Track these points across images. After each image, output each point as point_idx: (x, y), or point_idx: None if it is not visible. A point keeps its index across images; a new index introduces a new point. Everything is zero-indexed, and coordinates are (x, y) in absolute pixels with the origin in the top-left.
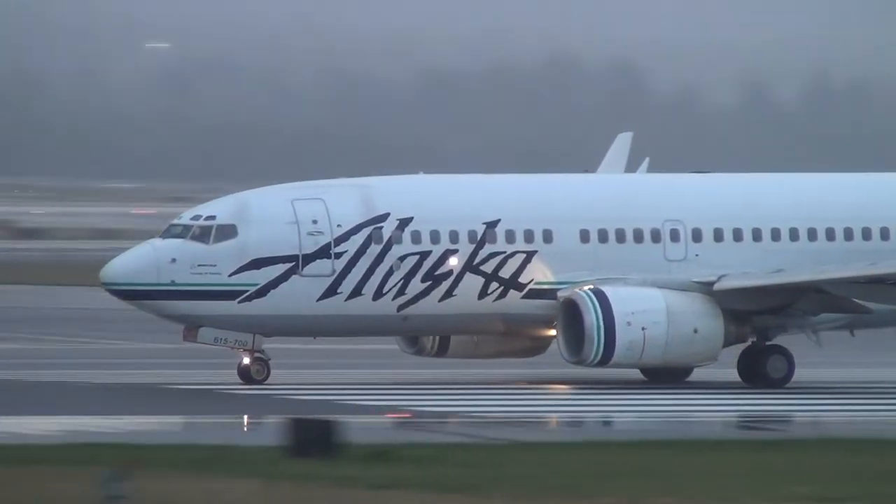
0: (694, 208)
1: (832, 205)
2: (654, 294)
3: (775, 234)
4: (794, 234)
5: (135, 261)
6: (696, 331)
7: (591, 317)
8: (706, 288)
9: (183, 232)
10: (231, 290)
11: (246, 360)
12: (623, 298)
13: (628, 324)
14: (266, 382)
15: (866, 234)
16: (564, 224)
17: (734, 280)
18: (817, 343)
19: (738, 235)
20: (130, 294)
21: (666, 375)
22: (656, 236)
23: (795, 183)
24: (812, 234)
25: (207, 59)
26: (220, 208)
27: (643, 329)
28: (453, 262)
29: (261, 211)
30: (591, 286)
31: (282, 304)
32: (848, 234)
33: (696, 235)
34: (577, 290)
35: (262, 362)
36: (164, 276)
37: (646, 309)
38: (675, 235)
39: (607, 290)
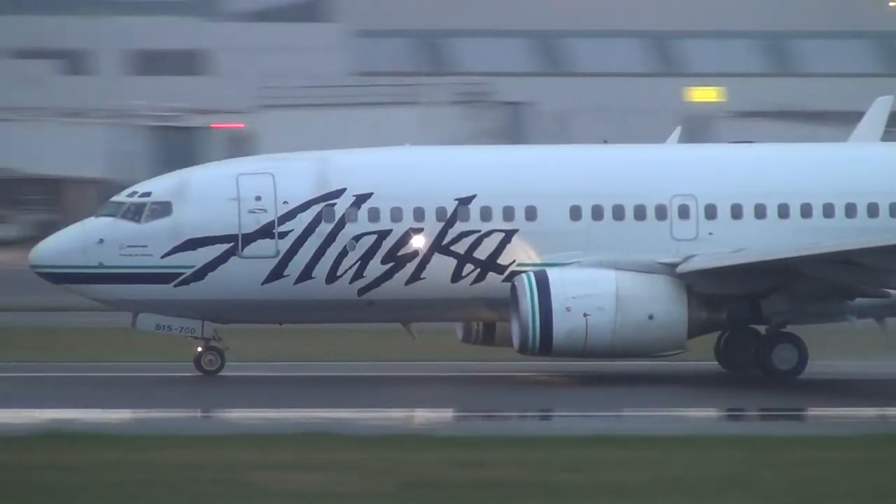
0: (708, 181)
1: (873, 177)
2: (605, 277)
3: (806, 210)
4: (828, 211)
5: (62, 242)
6: (651, 317)
7: (527, 302)
8: (671, 270)
9: (116, 210)
10: (165, 272)
11: (199, 349)
12: (565, 282)
13: (567, 309)
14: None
15: None
16: (551, 200)
17: (701, 261)
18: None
19: (760, 212)
20: (58, 277)
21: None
22: (662, 213)
23: (833, 153)
24: (851, 210)
25: None
26: (159, 184)
27: (585, 315)
28: (417, 241)
29: (200, 187)
30: (537, 269)
31: (222, 288)
32: (894, 210)
33: (710, 212)
34: (523, 273)
35: (216, 352)
36: (91, 258)
37: (590, 293)
38: (684, 212)
39: (551, 273)
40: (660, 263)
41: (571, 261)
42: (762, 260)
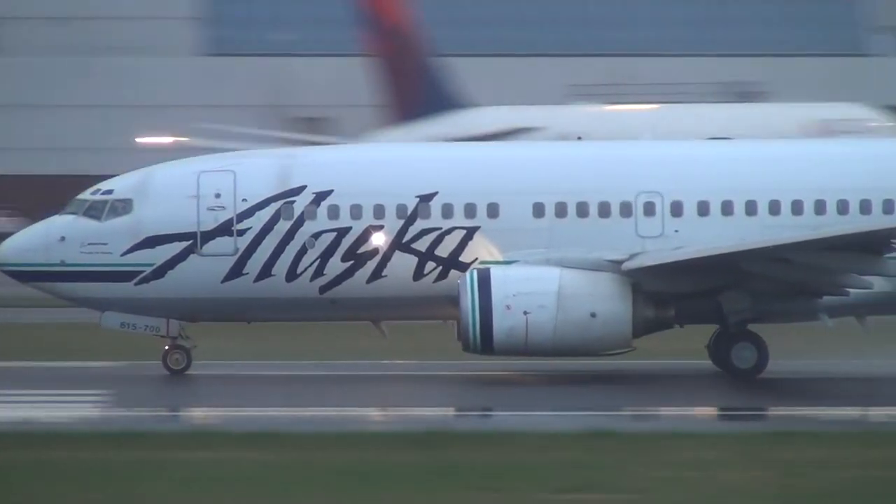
0: (675, 178)
1: (843, 174)
2: (549, 274)
3: (774, 208)
4: (797, 208)
5: (26, 239)
6: (593, 315)
7: (467, 301)
8: (617, 267)
9: (79, 207)
10: (125, 270)
11: (166, 348)
12: (507, 280)
13: (507, 307)
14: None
15: (888, 206)
16: (514, 197)
17: (645, 258)
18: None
19: (727, 209)
20: (23, 275)
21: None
22: (626, 210)
23: (805, 149)
24: (820, 207)
25: None
26: (122, 182)
27: (525, 313)
28: (377, 239)
29: (162, 184)
30: (482, 267)
31: (182, 286)
32: (865, 208)
33: (676, 209)
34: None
35: (182, 350)
36: (53, 256)
37: (531, 291)
38: (649, 209)
39: (494, 271)
40: (607, 261)
41: (532, 258)
42: (696, 257)
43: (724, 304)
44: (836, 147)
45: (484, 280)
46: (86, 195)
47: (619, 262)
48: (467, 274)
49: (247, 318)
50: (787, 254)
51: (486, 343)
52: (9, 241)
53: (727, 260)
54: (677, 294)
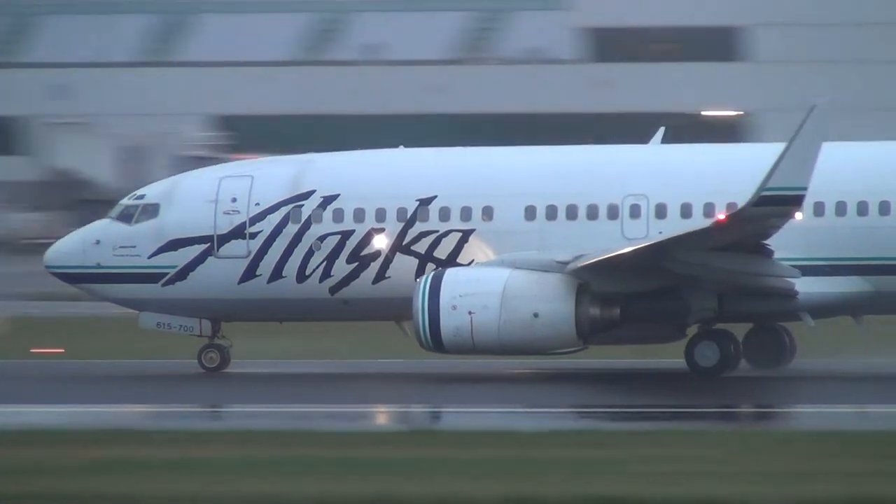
0: (660, 182)
1: (830, 176)
2: (496, 276)
3: None
4: None
5: (67, 243)
6: (536, 315)
7: (418, 301)
8: (563, 268)
9: (114, 212)
10: (152, 272)
11: (202, 346)
12: (456, 282)
13: (453, 308)
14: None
15: (862, 209)
16: (508, 200)
17: (584, 258)
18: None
19: (709, 211)
20: (66, 277)
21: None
22: (613, 212)
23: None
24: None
25: None
26: (154, 187)
27: (470, 313)
28: (379, 241)
29: (186, 189)
30: (438, 269)
31: (202, 287)
32: (840, 209)
33: (660, 211)
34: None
35: (217, 349)
36: (90, 259)
37: (476, 292)
38: (635, 211)
39: (448, 273)
40: (556, 262)
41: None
42: (608, 256)
43: (673, 305)
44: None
45: (436, 282)
46: (126, 200)
47: (566, 263)
48: (424, 276)
49: (266, 318)
50: (669, 254)
51: (436, 342)
52: (55, 245)
53: (644, 259)
54: (625, 294)
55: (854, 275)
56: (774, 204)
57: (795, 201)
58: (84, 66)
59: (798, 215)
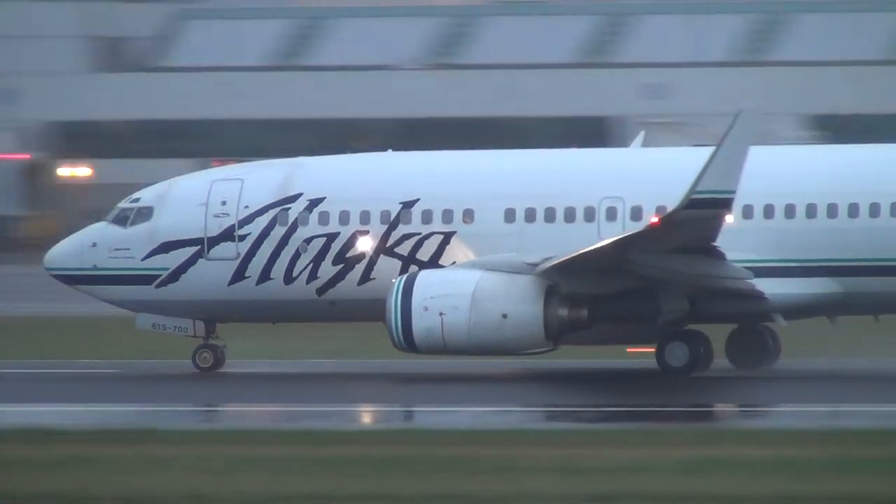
0: (636, 185)
1: (801, 179)
2: (467, 277)
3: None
4: (747, 212)
5: (66, 245)
6: (505, 316)
7: (391, 303)
8: (532, 269)
9: (111, 214)
10: (145, 274)
11: (197, 346)
12: (428, 283)
13: (425, 309)
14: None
15: (832, 210)
16: (488, 203)
17: (550, 260)
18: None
19: None
20: (65, 278)
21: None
22: (590, 215)
23: (762, 156)
24: (768, 211)
25: None
26: (149, 191)
27: (441, 314)
28: (363, 244)
29: (179, 193)
30: (413, 271)
31: (194, 289)
32: (811, 211)
33: (636, 214)
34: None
35: (211, 349)
36: (87, 261)
37: (447, 294)
38: (611, 214)
39: (421, 274)
40: (527, 264)
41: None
42: (567, 258)
43: (642, 306)
44: (792, 154)
45: (409, 283)
46: (123, 203)
47: (536, 265)
48: (398, 278)
49: (257, 319)
50: (622, 256)
51: (408, 342)
52: (54, 247)
53: (602, 261)
54: (593, 295)
55: (825, 276)
56: (704, 207)
57: (725, 204)
58: (679, 66)
59: (728, 218)
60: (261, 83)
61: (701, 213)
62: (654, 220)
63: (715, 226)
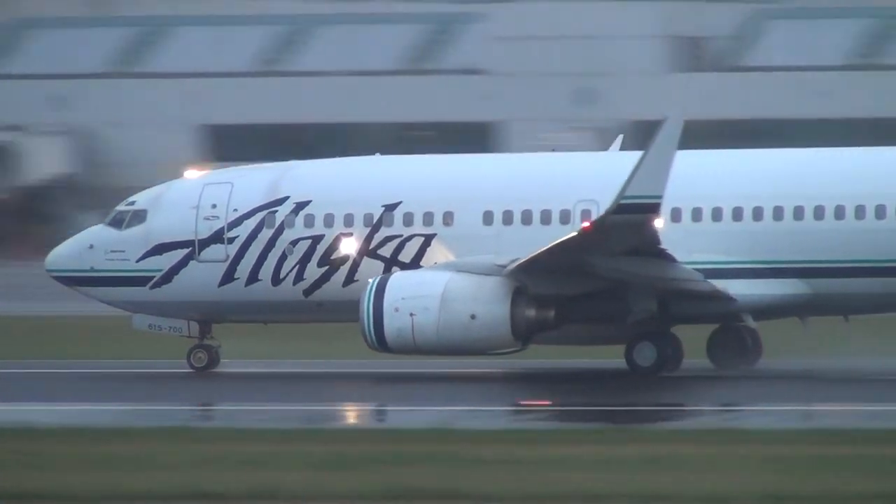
0: (610, 188)
1: (770, 181)
2: (437, 279)
3: (696, 215)
4: (717, 214)
5: (65, 247)
6: (473, 316)
7: (364, 304)
8: (501, 271)
9: (108, 217)
10: (140, 276)
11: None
12: (400, 285)
13: (396, 310)
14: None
15: (798, 213)
16: (467, 205)
17: (515, 262)
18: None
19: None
20: (64, 280)
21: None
22: (566, 217)
23: (727, 160)
24: (737, 214)
25: None
26: (144, 194)
27: (411, 315)
28: (347, 246)
29: (173, 196)
30: (386, 274)
31: (186, 290)
32: (778, 214)
33: None
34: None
35: (205, 349)
36: (84, 263)
37: (418, 295)
38: (586, 216)
39: (393, 276)
40: (496, 266)
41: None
42: (524, 261)
43: (610, 306)
44: (757, 158)
45: (381, 284)
46: (121, 206)
47: (505, 267)
48: (372, 279)
49: (247, 319)
50: (575, 258)
51: (380, 342)
52: (55, 249)
53: (558, 263)
54: (560, 296)
55: (793, 277)
56: (632, 212)
57: (652, 209)
58: None
59: (658, 222)
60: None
61: (629, 217)
62: (586, 224)
63: (644, 230)
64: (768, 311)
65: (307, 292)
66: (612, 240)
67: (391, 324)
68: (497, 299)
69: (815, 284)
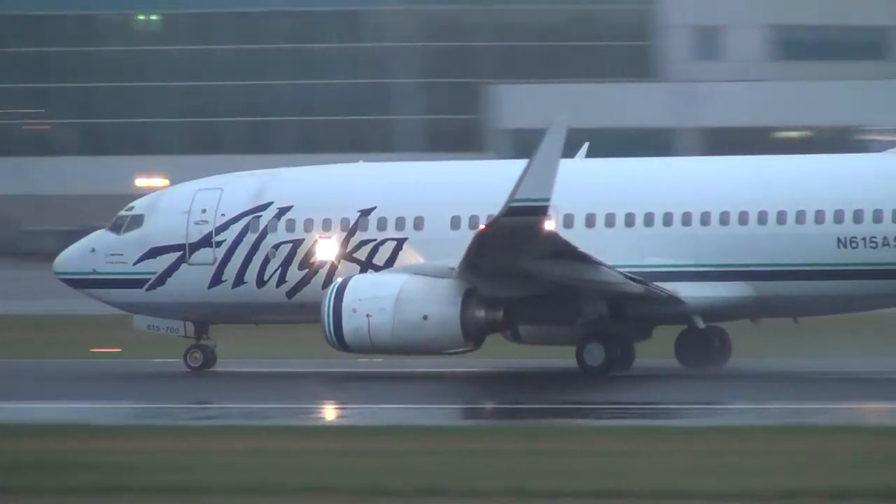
0: (568, 194)
1: (717, 188)
2: (393, 281)
3: (648, 220)
4: (667, 220)
5: (71, 251)
6: (425, 317)
7: (325, 305)
8: (453, 273)
9: (109, 222)
10: (137, 278)
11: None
12: (357, 287)
13: (354, 311)
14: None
15: (742, 218)
16: (436, 210)
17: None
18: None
19: (610, 221)
20: (70, 282)
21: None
22: None
23: (674, 167)
24: (686, 219)
25: None
26: (143, 199)
27: (368, 316)
28: (325, 249)
29: (167, 201)
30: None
31: (178, 292)
32: (724, 219)
33: (568, 221)
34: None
35: (200, 349)
36: (87, 266)
37: (374, 296)
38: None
39: (353, 279)
40: (449, 268)
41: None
42: (461, 262)
43: (558, 308)
44: (704, 165)
45: (342, 286)
46: (122, 211)
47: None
48: (334, 282)
49: (237, 320)
50: (514, 262)
51: (340, 341)
52: (62, 252)
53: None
54: (510, 298)
55: (739, 280)
56: (522, 214)
57: (541, 212)
58: None
59: (549, 224)
60: None
61: (520, 220)
62: (482, 227)
63: (536, 232)
64: (717, 312)
65: (290, 294)
66: (511, 241)
67: (349, 324)
68: (448, 301)
69: (760, 287)
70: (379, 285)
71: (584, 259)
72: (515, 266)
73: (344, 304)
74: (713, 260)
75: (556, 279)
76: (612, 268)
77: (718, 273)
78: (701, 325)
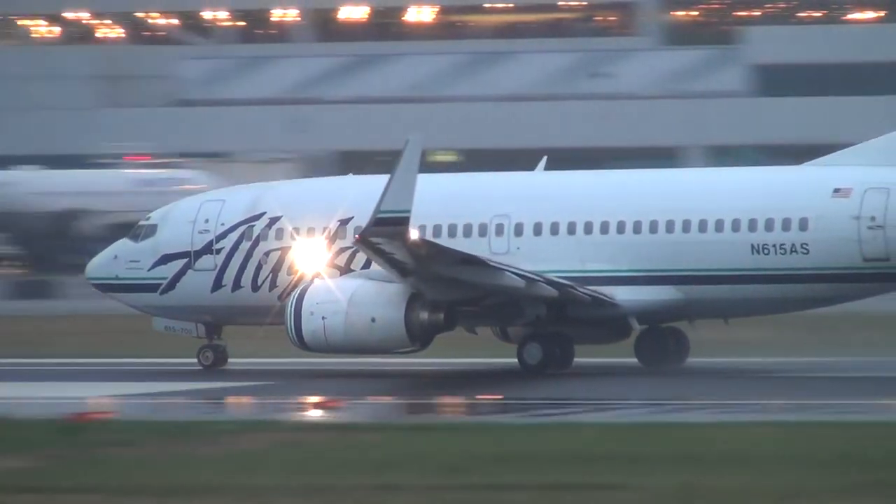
0: (520, 204)
1: (647, 198)
2: (348, 285)
3: (588, 228)
4: (604, 227)
5: (99, 257)
6: (373, 319)
7: (288, 307)
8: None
9: (130, 231)
10: (151, 283)
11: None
12: (316, 291)
13: (311, 313)
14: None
15: (686, 226)
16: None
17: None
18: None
19: (554, 229)
20: (98, 287)
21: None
22: (483, 231)
23: (619, 178)
24: (621, 227)
25: None
26: (159, 210)
27: (323, 318)
28: (310, 257)
29: (178, 211)
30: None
31: (186, 295)
32: (670, 227)
33: (518, 230)
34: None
35: (212, 349)
36: (111, 272)
37: (330, 300)
38: (500, 230)
39: (315, 283)
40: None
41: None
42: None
43: (498, 310)
44: (655, 175)
45: (303, 291)
46: (140, 221)
47: None
48: (300, 286)
49: (240, 322)
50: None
51: (301, 341)
52: (92, 259)
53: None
54: (450, 301)
55: (667, 284)
56: (388, 224)
57: (403, 222)
58: None
59: (412, 234)
60: None
61: (386, 230)
62: (356, 236)
63: (402, 240)
64: (650, 314)
65: (281, 298)
66: (386, 249)
67: (307, 326)
68: (393, 304)
69: (686, 290)
70: (334, 290)
71: (481, 263)
72: (435, 272)
73: (304, 307)
74: (644, 265)
75: (474, 284)
76: (533, 273)
77: (649, 277)
78: (636, 326)
